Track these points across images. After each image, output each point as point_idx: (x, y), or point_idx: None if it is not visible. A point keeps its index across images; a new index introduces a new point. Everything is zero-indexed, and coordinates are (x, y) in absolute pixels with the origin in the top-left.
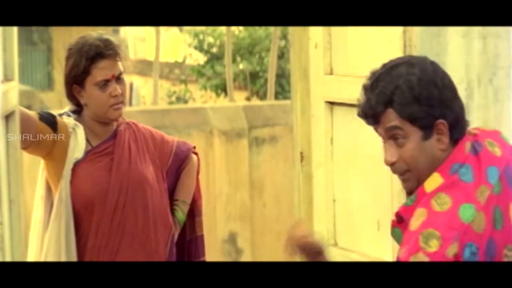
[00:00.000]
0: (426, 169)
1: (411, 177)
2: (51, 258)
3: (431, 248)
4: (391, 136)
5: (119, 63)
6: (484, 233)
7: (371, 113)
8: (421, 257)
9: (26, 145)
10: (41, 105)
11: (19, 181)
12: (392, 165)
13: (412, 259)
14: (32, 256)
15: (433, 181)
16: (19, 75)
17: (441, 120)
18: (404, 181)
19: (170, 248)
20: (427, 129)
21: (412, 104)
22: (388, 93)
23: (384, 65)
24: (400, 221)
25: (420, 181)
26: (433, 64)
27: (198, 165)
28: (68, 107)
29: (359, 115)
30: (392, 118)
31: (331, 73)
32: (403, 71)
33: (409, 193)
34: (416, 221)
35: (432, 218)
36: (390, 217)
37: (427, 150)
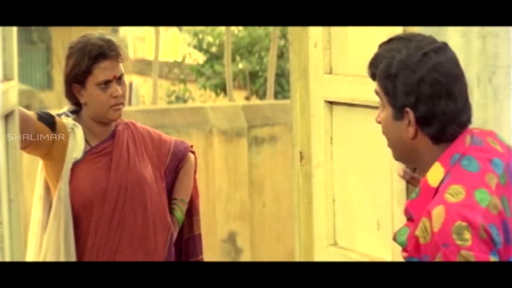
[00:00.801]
0: (397, 149)
1: (390, 147)
2: (50, 258)
3: (467, 242)
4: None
5: (121, 64)
6: (499, 215)
7: (369, 69)
8: (466, 255)
9: (25, 145)
10: (40, 104)
11: (18, 180)
12: (379, 124)
13: (459, 258)
14: (31, 256)
15: (435, 172)
16: (19, 75)
17: (407, 109)
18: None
19: (169, 247)
20: (397, 111)
21: (387, 80)
22: (378, 61)
23: (399, 35)
24: (410, 219)
25: (394, 157)
26: (431, 53)
27: (196, 164)
28: (67, 107)
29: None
30: (377, 83)
31: (331, 73)
32: (398, 45)
33: (395, 159)
34: (437, 222)
35: (452, 211)
36: (390, 217)
37: (397, 130)
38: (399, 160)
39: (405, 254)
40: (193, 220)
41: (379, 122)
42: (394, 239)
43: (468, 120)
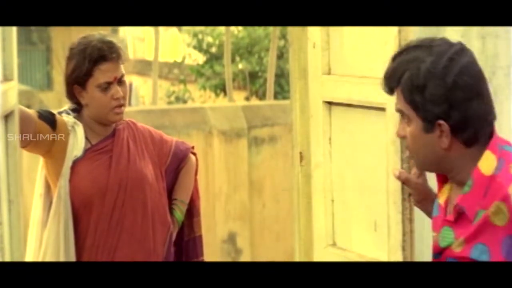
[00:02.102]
0: (427, 160)
1: (413, 160)
2: (49, 256)
3: None
4: (398, 111)
5: (121, 66)
6: None
7: (387, 83)
8: None
9: (25, 144)
10: (40, 105)
11: (18, 181)
12: (402, 138)
13: None
14: (30, 254)
15: (487, 160)
16: (18, 75)
17: (441, 121)
18: (410, 158)
19: (168, 247)
20: (428, 123)
21: (415, 92)
22: (398, 73)
23: (413, 42)
24: (458, 217)
25: (420, 168)
26: (456, 57)
27: (197, 165)
28: (67, 105)
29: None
30: (399, 99)
31: (329, 73)
32: (419, 54)
33: (422, 170)
34: (500, 217)
35: None
36: (386, 217)
37: (428, 143)
38: (428, 171)
39: (458, 251)
40: (194, 221)
41: (402, 137)
42: (436, 247)
43: (495, 117)
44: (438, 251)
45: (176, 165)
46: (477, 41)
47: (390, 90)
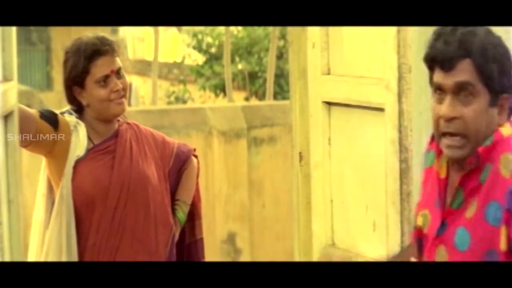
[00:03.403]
0: (483, 138)
1: (465, 145)
2: (52, 256)
3: None
4: (458, 91)
5: (117, 59)
6: None
7: (448, 56)
8: None
9: (26, 143)
10: (40, 105)
11: (18, 181)
12: (449, 120)
13: None
14: (33, 253)
15: (507, 128)
16: (18, 75)
17: (505, 95)
18: (452, 147)
19: (171, 247)
20: (495, 96)
21: (491, 62)
22: (470, 43)
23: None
24: (473, 167)
25: (473, 151)
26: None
27: (198, 168)
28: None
29: (430, 56)
30: (467, 71)
31: (329, 73)
32: (484, 31)
33: (457, 161)
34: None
35: None
36: (385, 218)
37: (490, 118)
38: (466, 155)
39: (472, 214)
40: (195, 224)
41: (451, 118)
42: (452, 246)
43: None
44: (420, 236)
45: (178, 167)
46: None
47: (449, 64)
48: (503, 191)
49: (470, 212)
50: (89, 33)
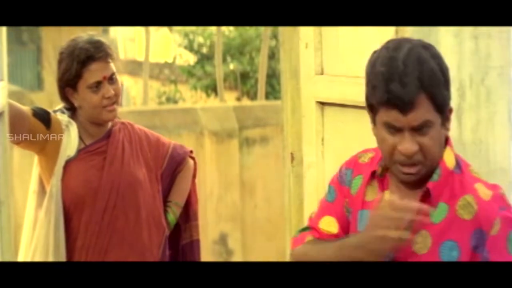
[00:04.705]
0: (438, 157)
1: (422, 169)
2: (39, 254)
3: None
4: (418, 128)
5: (111, 64)
6: None
7: (407, 98)
8: None
9: (18, 141)
10: (31, 105)
11: (8, 182)
12: (412, 155)
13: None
14: (22, 251)
15: (449, 155)
16: (8, 75)
17: (450, 107)
18: (409, 174)
19: (163, 250)
20: (444, 115)
21: (442, 88)
22: (422, 75)
23: (396, 48)
24: (425, 198)
25: (429, 171)
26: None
27: (195, 169)
28: (63, 104)
29: (385, 101)
30: (425, 107)
31: (322, 73)
32: (426, 54)
33: (410, 184)
34: (485, 193)
35: (490, 184)
36: None
37: (441, 137)
38: (424, 176)
39: (425, 252)
40: (191, 225)
41: (414, 153)
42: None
43: None
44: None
45: (173, 168)
46: (470, 41)
47: (411, 105)
48: (463, 232)
49: (423, 249)
50: (84, 34)
